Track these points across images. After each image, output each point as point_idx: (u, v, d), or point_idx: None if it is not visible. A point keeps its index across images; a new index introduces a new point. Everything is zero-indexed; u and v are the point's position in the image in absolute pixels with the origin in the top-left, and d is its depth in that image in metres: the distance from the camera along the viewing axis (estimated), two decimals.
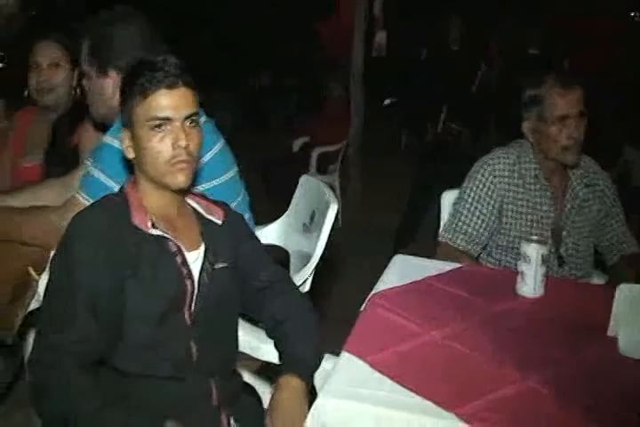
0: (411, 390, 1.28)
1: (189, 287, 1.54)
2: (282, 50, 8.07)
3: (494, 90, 6.33)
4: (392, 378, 1.32)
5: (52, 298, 1.46)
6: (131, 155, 1.55)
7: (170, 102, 1.48)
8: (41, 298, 1.76)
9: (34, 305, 1.78)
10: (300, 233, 2.34)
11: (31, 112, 2.52)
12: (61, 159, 2.36)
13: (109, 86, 1.92)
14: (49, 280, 1.48)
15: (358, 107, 5.47)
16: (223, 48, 7.62)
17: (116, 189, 1.78)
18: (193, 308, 1.54)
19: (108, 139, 1.86)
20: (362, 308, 1.88)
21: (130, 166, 1.79)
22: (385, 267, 1.97)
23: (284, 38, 8.07)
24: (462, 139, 5.68)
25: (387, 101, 7.78)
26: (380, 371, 1.35)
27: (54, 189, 2.13)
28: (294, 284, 1.83)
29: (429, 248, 2.36)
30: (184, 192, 1.59)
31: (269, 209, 2.15)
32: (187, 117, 1.50)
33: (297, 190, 2.46)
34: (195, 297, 1.54)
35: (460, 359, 1.40)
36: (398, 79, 7.31)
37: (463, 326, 1.54)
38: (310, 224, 2.26)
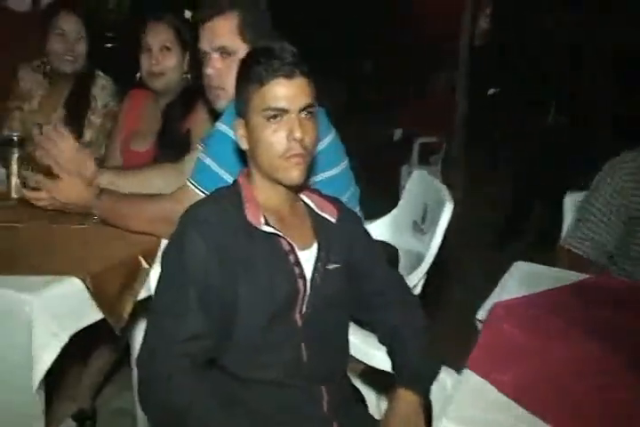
0: (545, 420, 1.16)
1: (301, 288, 1.47)
2: (384, 36, 7.92)
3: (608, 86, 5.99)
4: (522, 404, 1.21)
5: (164, 293, 1.42)
6: (244, 145, 1.50)
7: (286, 92, 1.41)
8: (151, 288, 1.75)
9: (143, 294, 1.76)
10: (410, 231, 2.24)
11: (143, 96, 2.50)
12: (172, 145, 2.34)
13: None
14: (161, 273, 1.45)
15: (463, 96, 5.29)
16: (325, 35, 7.55)
17: (227, 177, 1.75)
18: (304, 309, 1.48)
19: (221, 126, 1.81)
20: (479, 316, 1.78)
21: (243, 156, 1.75)
22: (494, 267, 1.86)
23: (385, 24, 7.92)
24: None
25: (491, 91, 7.51)
26: (508, 394, 1.24)
27: (165, 175, 2.12)
28: (409, 287, 1.74)
29: (536, 249, 2.22)
30: (298, 187, 1.52)
31: (367, 200, 2.07)
32: (303, 109, 1.42)
33: (407, 185, 2.36)
34: (306, 298, 1.48)
35: (603, 390, 1.26)
36: (502, 67, 7.04)
37: (606, 347, 1.39)
38: (422, 222, 2.15)
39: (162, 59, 2.34)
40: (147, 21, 2.37)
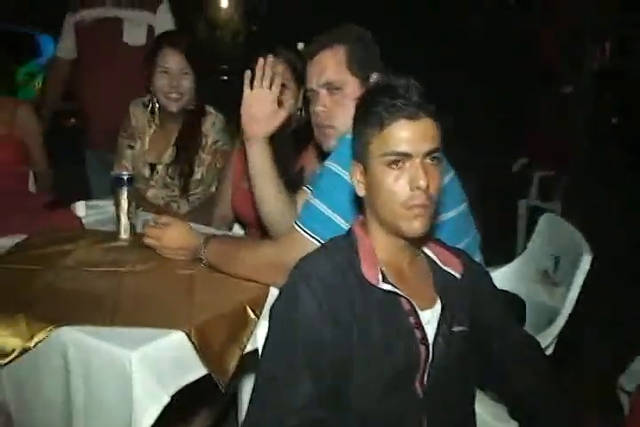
0: None
1: (423, 353, 1.31)
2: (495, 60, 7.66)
3: None
4: None
5: (271, 356, 1.29)
6: (361, 192, 1.36)
7: (410, 136, 1.27)
8: (258, 341, 1.63)
9: (250, 347, 1.64)
10: (538, 281, 2.03)
11: None
12: (285, 183, 2.24)
13: None
14: (269, 333, 1.33)
15: (584, 125, 4.98)
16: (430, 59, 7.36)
17: (339, 221, 1.63)
18: (425, 377, 1.32)
19: (331, 165, 1.69)
20: (624, 384, 1.56)
21: (357, 198, 1.62)
22: (635, 323, 1.63)
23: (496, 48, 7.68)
24: None
25: (614, 120, 7.10)
26: None
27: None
28: (542, 350, 1.55)
29: None
30: (418, 239, 1.37)
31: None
32: (427, 154, 1.28)
33: (536, 229, 2.15)
34: (428, 365, 1.32)
35: None
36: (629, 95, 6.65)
37: None
38: (554, 272, 1.95)
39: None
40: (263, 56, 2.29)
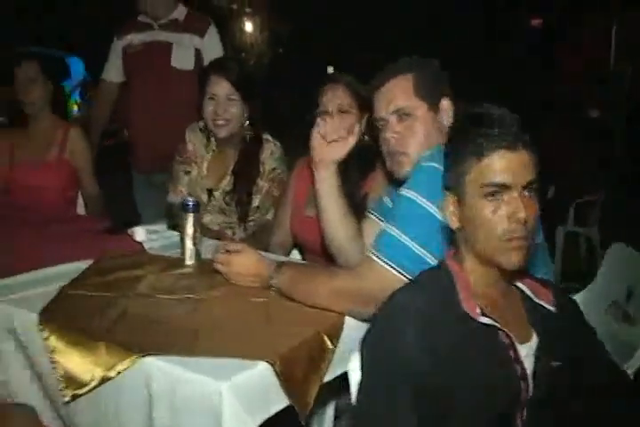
0: None
1: (523, 389, 1.28)
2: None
3: None
4: None
5: (371, 394, 1.27)
6: (455, 224, 1.35)
7: (508, 167, 1.25)
8: (335, 370, 1.61)
9: (328, 377, 1.62)
10: (607, 313, 2.00)
11: None
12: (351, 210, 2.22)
13: (444, 119, 1.81)
14: (366, 365, 1.30)
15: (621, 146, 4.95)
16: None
17: (419, 251, 1.61)
18: (524, 414, 1.28)
19: (408, 193, 1.67)
20: None
21: (434, 228, 1.60)
22: None
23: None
24: None
25: None
26: None
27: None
28: (631, 382, 1.51)
29: None
30: (512, 271, 1.34)
31: None
32: (526, 185, 1.26)
33: (604, 259, 2.12)
34: (527, 401, 1.28)
35: None
36: None
37: None
38: (626, 304, 1.91)
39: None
40: (323, 83, 2.30)
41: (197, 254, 2.04)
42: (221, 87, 2.51)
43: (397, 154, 1.83)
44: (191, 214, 2.02)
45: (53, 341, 1.57)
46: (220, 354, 1.46)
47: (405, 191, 1.68)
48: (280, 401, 1.49)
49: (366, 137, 2.27)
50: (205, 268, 1.98)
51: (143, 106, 3.30)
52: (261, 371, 1.45)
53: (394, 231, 1.66)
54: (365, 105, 2.27)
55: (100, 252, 2.08)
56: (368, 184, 2.25)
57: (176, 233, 2.36)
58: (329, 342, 1.64)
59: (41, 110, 2.97)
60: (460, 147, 1.31)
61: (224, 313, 1.71)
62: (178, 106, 3.26)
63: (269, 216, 2.56)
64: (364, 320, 1.73)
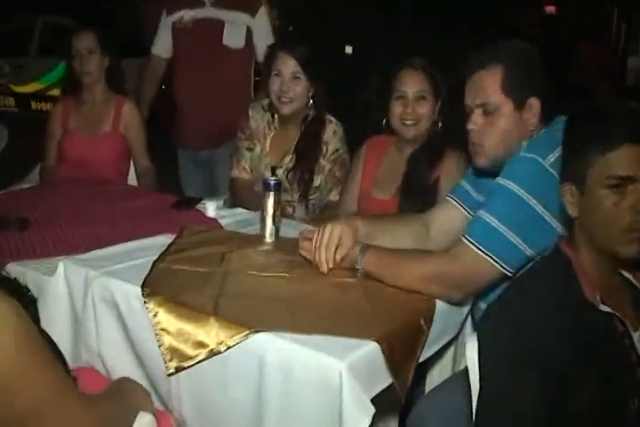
0: None
1: (639, 376, 1.32)
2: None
3: None
4: None
5: (495, 380, 1.30)
6: (574, 213, 1.37)
7: (634, 159, 1.27)
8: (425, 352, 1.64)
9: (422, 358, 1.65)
10: None
11: (384, 142, 2.43)
12: (418, 194, 2.25)
13: (530, 118, 1.76)
14: (488, 357, 1.33)
15: None
16: None
17: (512, 237, 1.63)
18: (637, 401, 1.32)
19: (506, 183, 1.68)
20: None
21: (531, 217, 1.61)
22: None
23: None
24: None
25: None
26: None
27: (412, 227, 2.01)
28: None
29: None
30: (624, 261, 1.37)
31: None
32: None
33: None
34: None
35: None
36: None
37: None
38: None
39: (417, 107, 2.26)
40: (400, 68, 2.30)
41: (277, 232, 2.05)
42: (287, 65, 2.52)
43: (475, 145, 1.84)
44: (272, 193, 2.03)
45: (160, 314, 1.58)
46: (332, 332, 1.48)
47: (502, 181, 1.70)
48: (384, 380, 1.51)
49: (439, 122, 2.29)
50: (285, 246, 2.00)
51: (192, 83, 3.28)
52: (371, 350, 1.47)
53: (489, 219, 1.67)
54: (440, 90, 2.29)
55: (179, 226, 2.08)
56: (440, 168, 2.26)
57: (244, 210, 2.38)
58: (424, 325, 1.67)
59: (96, 82, 2.96)
60: (583, 140, 1.33)
61: (322, 292, 1.72)
62: (227, 84, 3.26)
63: (332, 197, 2.58)
64: (451, 304, 1.77)
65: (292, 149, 2.60)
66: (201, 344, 1.53)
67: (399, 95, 2.28)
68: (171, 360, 1.56)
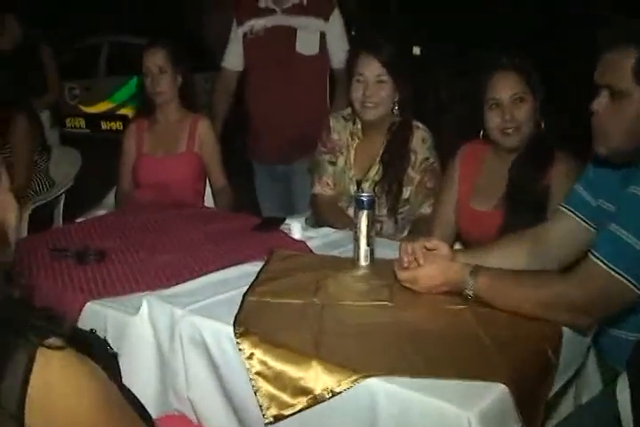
0: None
1: None
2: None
3: None
4: None
5: None
6: None
7: None
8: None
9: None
10: None
11: (480, 150, 2.21)
12: (525, 206, 2.03)
13: None
14: None
15: None
16: None
17: None
18: None
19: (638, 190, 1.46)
20: None
21: None
22: None
23: None
24: None
25: None
26: None
27: (524, 246, 1.79)
28: None
29: None
30: None
31: None
32: None
33: None
34: None
35: None
36: None
37: None
38: None
39: (515, 112, 2.04)
40: (493, 69, 2.09)
41: (372, 254, 1.87)
42: (371, 67, 2.34)
43: (597, 130, 1.59)
44: (365, 211, 1.85)
45: (255, 356, 1.43)
46: (452, 375, 1.30)
47: (638, 190, 1.47)
48: (512, 425, 1.32)
49: (543, 125, 2.07)
50: (381, 269, 1.82)
51: (266, 94, 3.14)
52: (499, 394, 1.27)
53: (622, 233, 1.45)
54: (538, 88, 2.07)
55: (265, 251, 1.93)
56: (549, 175, 2.04)
57: (331, 230, 2.22)
58: (552, 356, 1.46)
59: (170, 102, 2.85)
60: None
61: (430, 323, 1.55)
62: (302, 93, 3.12)
63: (423, 210, 2.38)
64: (579, 331, 1.56)
65: (378, 159, 2.42)
66: (302, 390, 1.37)
67: (494, 103, 2.06)
68: (268, 408, 1.41)
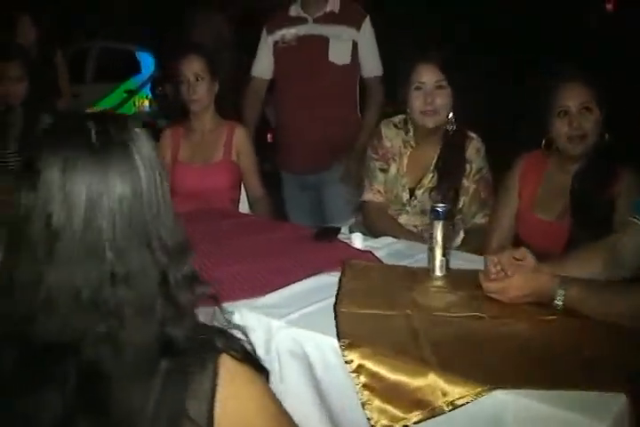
0: None
1: None
2: None
3: None
4: None
5: None
6: None
7: None
8: None
9: None
10: None
11: (541, 159, 2.22)
12: (591, 216, 2.04)
13: None
14: None
15: None
16: None
17: None
18: None
19: None
20: None
21: None
22: None
23: None
24: None
25: None
26: None
27: (601, 256, 1.80)
28: None
29: None
30: None
31: None
32: None
33: None
34: None
35: None
36: None
37: None
38: None
39: (583, 122, 2.05)
40: (561, 79, 2.11)
41: (447, 265, 1.87)
42: (430, 74, 2.35)
43: None
44: (441, 222, 1.85)
45: (364, 368, 1.41)
46: (574, 386, 1.29)
47: None
48: None
49: (607, 135, 2.09)
50: (458, 279, 1.82)
51: (297, 104, 3.13)
52: (622, 404, 1.27)
53: None
54: (604, 98, 2.09)
55: (337, 262, 1.91)
56: (616, 186, 2.05)
57: (392, 240, 2.21)
58: None
59: (206, 109, 2.82)
60: None
61: (529, 334, 1.54)
62: (334, 103, 3.11)
63: (477, 220, 2.39)
64: None
65: (432, 167, 2.42)
66: (418, 403, 1.35)
67: (562, 110, 2.08)
68: (378, 421, 1.39)
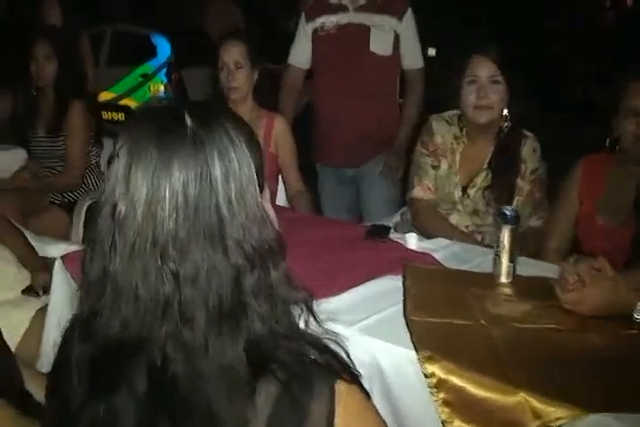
0: None
1: None
2: None
3: None
4: None
5: None
6: None
7: None
8: None
9: None
10: None
11: (601, 161, 2.12)
12: None
13: None
14: None
15: None
16: None
17: None
18: None
19: None
20: None
21: None
22: None
23: None
24: None
25: None
26: None
27: None
28: None
29: None
30: None
31: None
32: None
33: None
34: None
35: None
36: None
37: None
38: None
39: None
40: (629, 80, 2.00)
41: (514, 271, 1.78)
42: (485, 68, 2.24)
43: None
44: (509, 226, 1.76)
45: (446, 384, 1.32)
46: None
47: None
48: None
49: None
50: (526, 287, 1.73)
51: (335, 94, 3.02)
52: None
53: None
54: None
55: (396, 264, 1.82)
56: None
57: (448, 242, 2.11)
58: None
59: (244, 98, 2.72)
60: None
61: (615, 351, 1.45)
62: (373, 94, 3.00)
63: (532, 222, 2.29)
64: None
65: (485, 166, 2.32)
66: (503, 422, 1.27)
67: (629, 110, 1.98)
68: None
